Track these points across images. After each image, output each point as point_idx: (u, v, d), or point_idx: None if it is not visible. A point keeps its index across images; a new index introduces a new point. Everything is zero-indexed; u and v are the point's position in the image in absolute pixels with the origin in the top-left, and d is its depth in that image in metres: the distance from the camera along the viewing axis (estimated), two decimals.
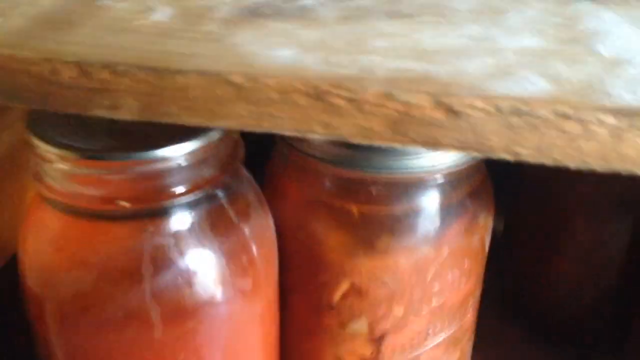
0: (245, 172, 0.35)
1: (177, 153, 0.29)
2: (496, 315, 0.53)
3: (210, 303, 0.31)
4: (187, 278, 0.30)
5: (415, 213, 0.35)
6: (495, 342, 0.50)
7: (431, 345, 0.38)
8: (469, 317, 0.40)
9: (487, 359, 0.48)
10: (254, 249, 0.33)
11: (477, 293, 0.41)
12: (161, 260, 0.30)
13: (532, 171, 0.47)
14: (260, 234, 0.34)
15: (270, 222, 0.35)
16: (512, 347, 0.51)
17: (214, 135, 0.30)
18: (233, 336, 0.33)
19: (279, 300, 0.37)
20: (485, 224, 0.38)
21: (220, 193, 0.32)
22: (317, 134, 0.25)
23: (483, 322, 0.46)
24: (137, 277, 0.30)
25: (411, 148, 0.31)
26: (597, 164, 0.23)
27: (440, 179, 0.35)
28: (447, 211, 0.36)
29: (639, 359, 0.41)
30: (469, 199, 0.37)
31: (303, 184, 0.37)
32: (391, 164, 0.34)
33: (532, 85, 0.24)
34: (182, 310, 0.31)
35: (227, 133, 0.31)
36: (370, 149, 0.33)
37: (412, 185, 0.35)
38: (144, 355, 0.31)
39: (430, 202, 0.36)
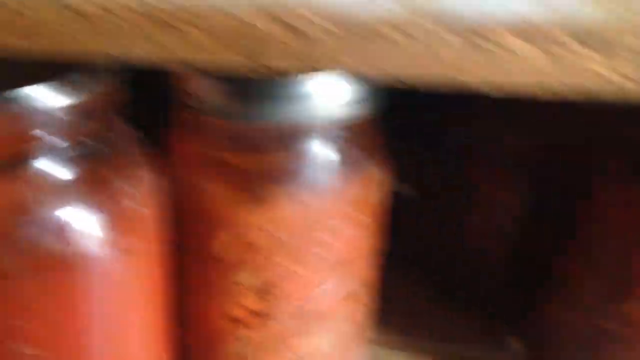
0: (128, 128, 0.33)
1: (40, 94, 0.27)
2: (405, 276, 0.53)
3: (84, 260, 0.30)
4: (57, 232, 0.29)
5: (301, 163, 0.35)
6: (402, 303, 0.51)
7: (325, 299, 0.38)
8: (367, 273, 0.40)
9: (394, 319, 0.49)
10: (136, 206, 0.32)
11: (377, 249, 0.40)
12: (30, 213, 0.28)
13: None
14: (145, 191, 0.32)
15: (158, 180, 0.34)
16: (418, 309, 0.51)
17: (80, 79, 0.29)
18: (112, 295, 0.32)
19: (174, 258, 0.36)
20: (379, 178, 0.38)
21: (94, 146, 0.30)
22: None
23: (391, 283, 0.46)
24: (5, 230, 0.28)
25: (294, 95, 0.32)
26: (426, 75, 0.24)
27: (327, 128, 0.35)
28: (334, 162, 0.35)
29: (543, 324, 0.41)
30: (360, 151, 0.36)
31: (190, 139, 0.36)
32: (274, 112, 0.33)
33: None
34: (54, 266, 0.29)
35: (99, 80, 0.30)
36: (252, 98, 0.33)
37: (297, 135, 0.34)
38: (16, 312, 0.30)
39: (317, 152, 0.35)
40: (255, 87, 0.33)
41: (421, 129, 0.49)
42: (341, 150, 0.36)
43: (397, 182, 0.40)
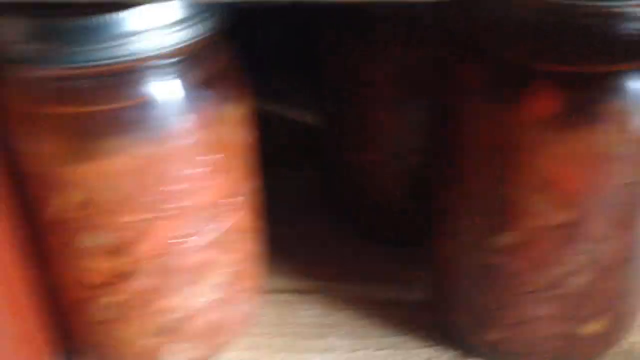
0: None
1: None
2: (309, 211, 0.52)
3: None
4: None
5: (137, 107, 0.31)
6: (305, 238, 0.49)
7: (189, 250, 0.35)
8: (242, 216, 0.37)
9: (294, 255, 0.47)
10: None
11: (248, 191, 0.37)
12: None
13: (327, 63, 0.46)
14: None
15: None
16: (320, 242, 0.49)
17: None
18: None
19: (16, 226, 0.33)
20: (236, 114, 0.34)
21: None
22: None
23: (294, 219, 0.48)
24: None
25: (118, 29, 0.28)
26: None
27: (163, 62, 0.31)
28: (178, 101, 0.31)
29: (437, 260, 0.39)
30: (207, 83, 0.32)
31: (8, 95, 0.31)
32: (97, 52, 0.29)
33: None
34: None
35: None
36: (69, 38, 0.28)
37: (129, 75, 0.30)
38: None
39: (155, 92, 0.31)
40: (71, 25, 0.29)
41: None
42: (184, 86, 0.32)
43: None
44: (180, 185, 0.33)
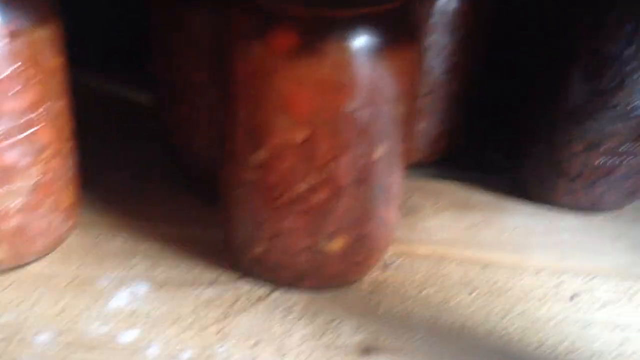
0: None
1: None
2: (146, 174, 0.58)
3: None
4: None
5: None
6: (134, 191, 0.56)
7: None
8: (45, 129, 0.42)
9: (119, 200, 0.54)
10: None
11: (53, 108, 0.42)
12: None
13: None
14: None
15: None
16: (148, 194, 0.56)
17: None
18: None
19: None
20: (42, 33, 0.40)
21: None
22: None
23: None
24: None
25: None
26: None
27: None
28: None
29: (222, 186, 0.45)
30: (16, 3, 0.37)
31: None
32: None
33: None
34: None
35: None
36: None
37: None
38: None
39: None
40: None
41: None
42: None
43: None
44: None
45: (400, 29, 0.39)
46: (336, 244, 0.43)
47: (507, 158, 0.61)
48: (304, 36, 0.37)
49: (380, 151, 0.41)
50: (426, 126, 0.60)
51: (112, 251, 0.49)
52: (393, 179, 0.44)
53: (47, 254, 0.47)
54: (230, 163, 0.43)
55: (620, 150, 0.53)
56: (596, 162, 0.54)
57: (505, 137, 0.60)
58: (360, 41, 0.37)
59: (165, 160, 0.58)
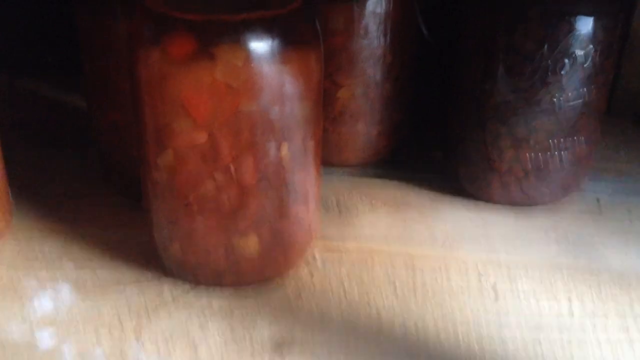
0: None
1: None
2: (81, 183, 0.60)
3: None
4: None
5: None
6: (70, 196, 0.57)
7: None
8: None
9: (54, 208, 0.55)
10: None
11: None
12: None
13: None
14: None
15: None
16: (81, 200, 0.57)
17: None
18: None
19: None
20: None
21: None
22: None
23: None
24: None
25: None
26: None
27: None
28: None
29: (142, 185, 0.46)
30: None
31: None
32: None
33: None
34: None
35: None
36: None
37: None
38: None
39: None
40: None
41: None
42: None
43: None
44: None
45: (295, 32, 0.41)
46: (250, 241, 0.45)
47: (444, 157, 0.62)
48: (198, 41, 0.39)
49: (285, 149, 0.42)
50: (363, 127, 0.61)
51: (40, 254, 0.50)
52: (304, 176, 0.45)
53: None
54: (143, 165, 0.44)
55: (548, 144, 0.54)
56: (525, 157, 0.55)
57: (440, 136, 0.61)
58: (253, 45, 0.39)
59: (97, 164, 0.60)
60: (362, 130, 0.61)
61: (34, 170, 0.60)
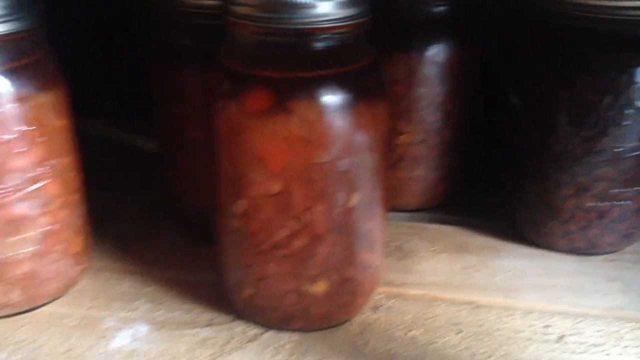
0: None
1: None
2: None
3: None
4: None
5: None
6: (142, 237, 0.60)
7: (6, 204, 0.45)
8: (53, 183, 0.47)
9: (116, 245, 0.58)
10: None
11: (59, 163, 0.47)
12: None
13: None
14: None
15: None
16: (153, 240, 0.60)
17: None
18: None
19: None
20: (48, 97, 0.45)
21: None
22: None
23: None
24: None
25: None
26: None
27: None
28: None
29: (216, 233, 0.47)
30: (23, 72, 0.44)
31: None
32: None
33: None
34: None
35: None
36: None
37: None
38: None
39: None
40: None
41: None
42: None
43: None
44: None
45: (366, 86, 0.43)
46: (320, 287, 0.46)
47: (503, 202, 0.63)
48: (274, 96, 0.41)
49: (355, 199, 0.44)
50: (422, 173, 0.62)
51: (118, 294, 0.53)
52: (373, 225, 0.47)
53: (60, 296, 0.51)
54: (218, 212, 0.46)
55: (610, 193, 0.55)
56: (587, 205, 0.55)
57: (499, 182, 0.62)
58: (326, 99, 0.41)
59: (169, 207, 0.62)
60: (421, 175, 0.62)
61: (110, 211, 0.64)
